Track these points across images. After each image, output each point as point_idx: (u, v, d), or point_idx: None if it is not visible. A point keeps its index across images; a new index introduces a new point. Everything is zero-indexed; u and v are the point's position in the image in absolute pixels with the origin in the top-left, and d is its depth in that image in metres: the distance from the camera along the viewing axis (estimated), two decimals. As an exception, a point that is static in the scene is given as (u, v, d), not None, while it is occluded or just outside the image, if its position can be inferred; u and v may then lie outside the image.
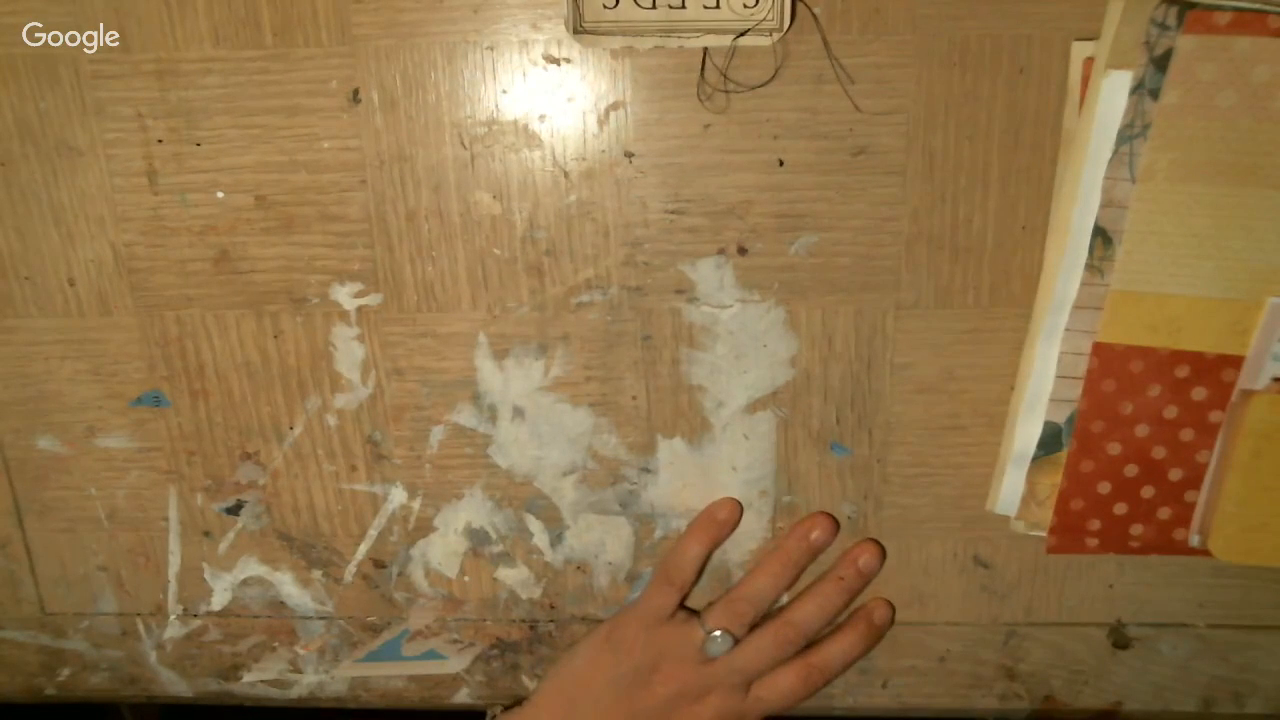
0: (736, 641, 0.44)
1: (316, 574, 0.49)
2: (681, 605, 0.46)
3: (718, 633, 0.44)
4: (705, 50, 0.40)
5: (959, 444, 0.45)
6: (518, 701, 0.49)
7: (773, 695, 0.45)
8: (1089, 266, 0.40)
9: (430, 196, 0.43)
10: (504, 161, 0.42)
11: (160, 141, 0.42)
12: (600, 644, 0.46)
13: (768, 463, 0.46)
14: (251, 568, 0.49)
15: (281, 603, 0.49)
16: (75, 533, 0.49)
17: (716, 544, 0.46)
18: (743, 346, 0.44)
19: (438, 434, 0.46)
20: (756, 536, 0.47)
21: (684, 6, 0.39)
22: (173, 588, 0.49)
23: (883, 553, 0.47)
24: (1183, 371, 0.41)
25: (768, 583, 0.45)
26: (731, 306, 0.44)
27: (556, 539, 0.48)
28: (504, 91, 0.41)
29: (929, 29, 0.39)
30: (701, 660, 0.44)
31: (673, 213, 0.42)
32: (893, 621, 0.47)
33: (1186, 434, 0.42)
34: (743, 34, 0.39)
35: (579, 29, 0.39)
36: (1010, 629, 0.48)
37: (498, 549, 0.48)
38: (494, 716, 0.47)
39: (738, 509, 0.46)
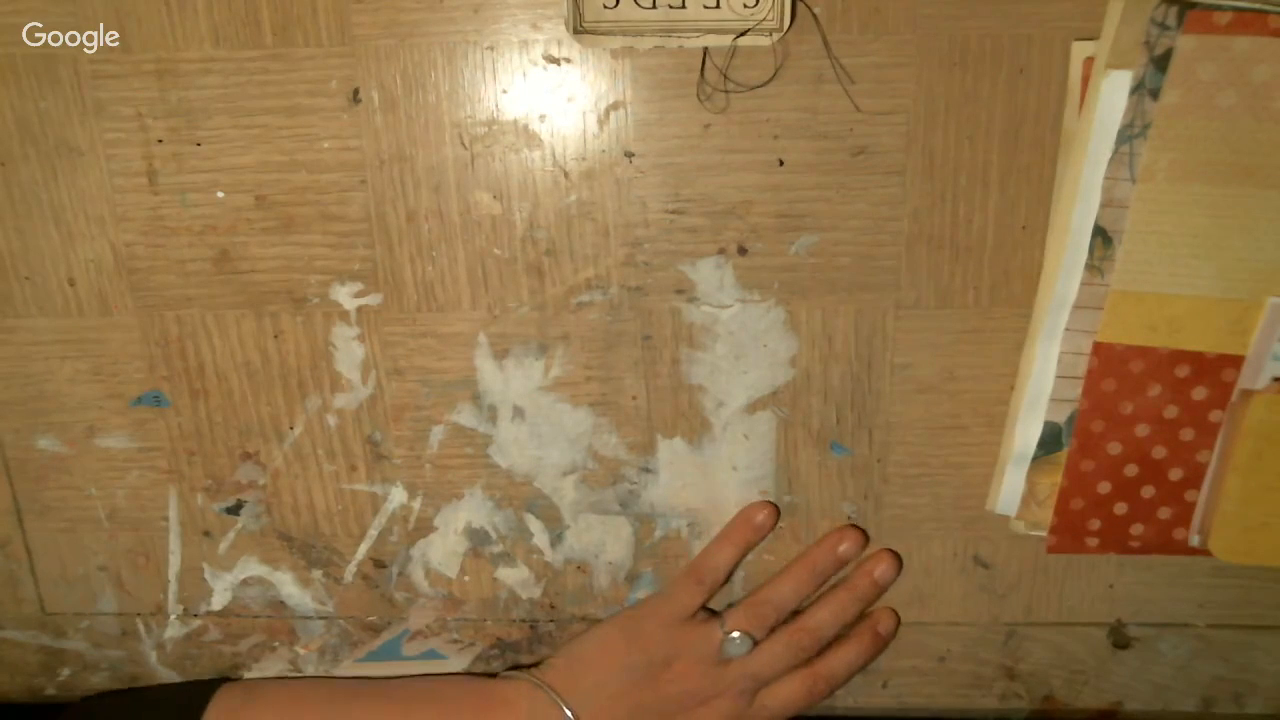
0: (755, 644, 0.44)
1: (316, 574, 0.49)
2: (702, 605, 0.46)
3: (736, 634, 0.44)
4: (705, 50, 0.40)
5: (959, 444, 0.45)
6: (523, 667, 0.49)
7: (777, 704, 0.45)
8: (1089, 266, 0.40)
9: (430, 196, 0.43)
10: (504, 161, 0.42)
11: (160, 141, 0.42)
12: (617, 631, 0.46)
13: (768, 462, 0.46)
14: (251, 568, 0.49)
15: (281, 603, 0.49)
16: (75, 533, 0.49)
17: (750, 548, 0.46)
18: (743, 346, 0.44)
19: (438, 434, 0.46)
20: (756, 536, 0.47)
21: (684, 6, 0.39)
22: (173, 588, 0.49)
23: (899, 564, 0.47)
24: (1183, 371, 0.41)
25: (792, 589, 0.45)
26: (731, 306, 0.44)
27: (556, 539, 0.48)
28: (504, 91, 0.41)
29: (929, 29, 0.39)
30: (716, 662, 0.44)
31: (673, 213, 0.42)
32: (897, 631, 0.48)
33: (1186, 434, 0.42)
34: (743, 34, 0.39)
35: (579, 29, 0.39)
36: (1010, 629, 0.48)
37: (498, 549, 0.48)
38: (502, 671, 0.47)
39: (775, 514, 0.46)
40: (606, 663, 0.45)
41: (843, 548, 0.46)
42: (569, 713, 0.43)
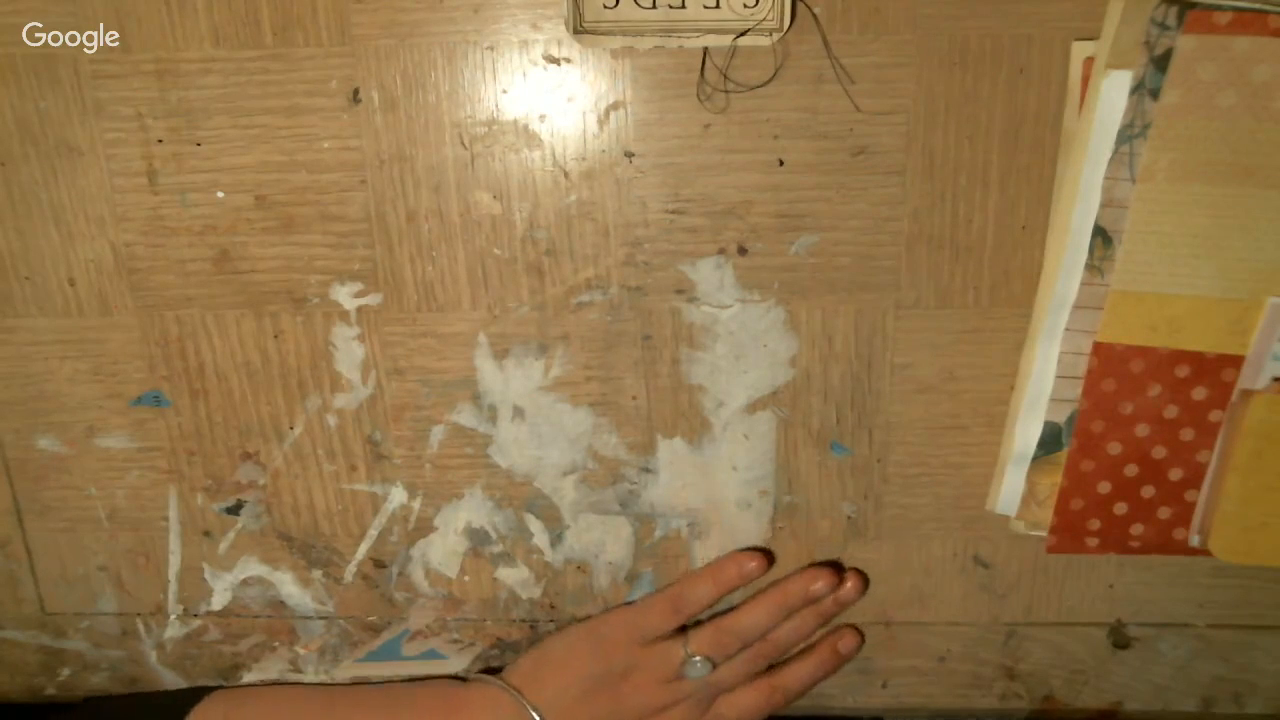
0: (715, 668, 0.45)
1: (316, 574, 0.49)
2: None
3: (699, 659, 0.44)
4: (705, 50, 0.40)
5: (959, 444, 0.45)
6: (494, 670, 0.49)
7: (733, 713, 0.45)
8: (1089, 266, 0.40)
9: (430, 196, 0.43)
10: (504, 161, 0.42)
11: (160, 141, 0.42)
12: (584, 637, 0.46)
13: (768, 462, 0.46)
14: (251, 568, 0.49)
15: (281, 603, 0.49)
16: (75, 533, 0.49)
17: (733, 591, 0.46)
18: (743, 346, 0.44)
19: (438, 434, 0.46)
20: (756, 536, 0.47)
21: (684, 6, 0.39)
22: (173, 587, 0.49)
23: (864, 586, 0.47)
24: (1183, 371, 0.41)
25: (759, 621, 0.45)
26: (731, 306, 0.44)
27: (556, 539, 0.48)
28: (504, 91, 0.41)
29: (929, 29, 0.39)
30: (675, 678, 0.45)
31: (673, 213, 0.42)
32: (859, 650, 0.48)
33: (1186, 434, 0.42)
34: (743, 34, 0.39)
35: (579, 29, 0.39)
36: (1010, 629, 0.48)
37: (498, 549, 0.48)
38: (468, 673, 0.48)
39: (765, 566, 0.46)
40: (571, 668, 0.45)
41: (816, 586, 0.45)
42: (535, 716, 0.44)
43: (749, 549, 0.47)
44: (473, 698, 0.45)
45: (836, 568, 0.47)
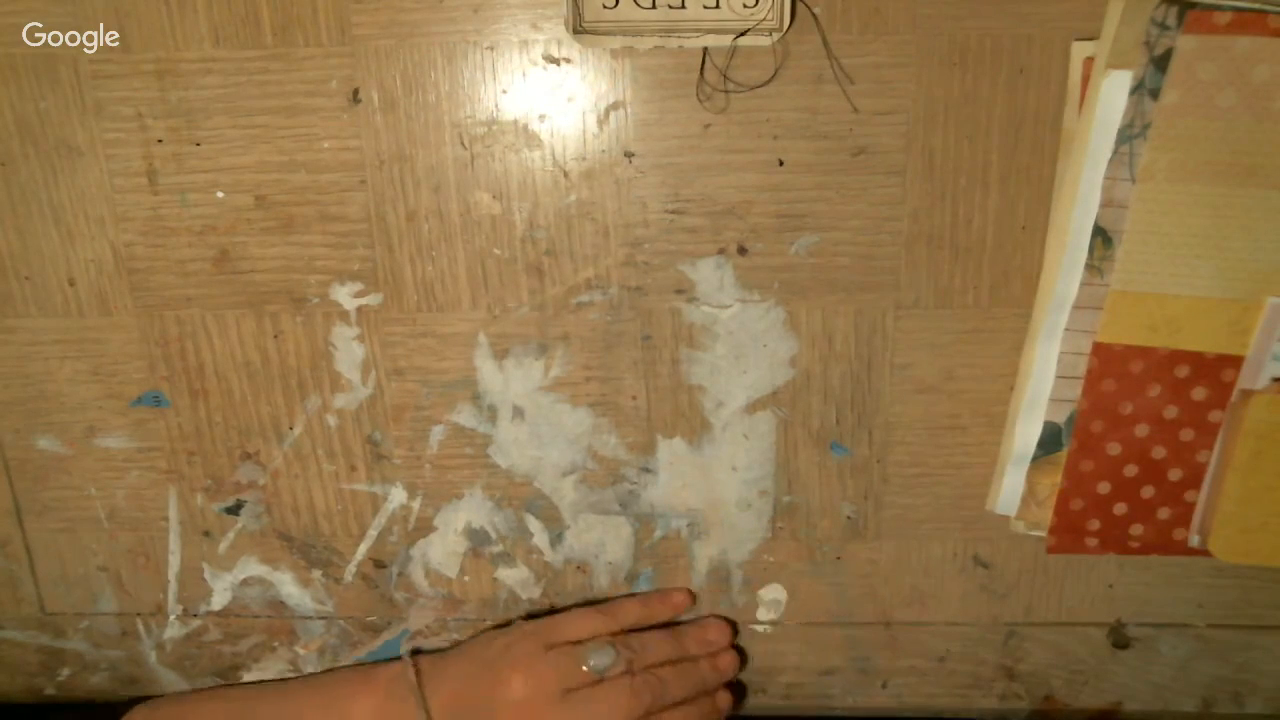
0: (617, 654, 0.44)
1: (316, 574, 0.49)
2: None
3: (600, 648, 0.44)
4: (705, 50, 0.40)
5: (959, 444, 0.45)
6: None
7: None
8: (1089, 266, 0.40)
9: (430, 196, 0.43)
10: (504, 161, 0.42)
11: (160, 141, 0.42)
12: (503, 634, 0.45)
13: (768, 463, 0.46)
14: (251, 568, 0.49)
15: (281, 603, 0.49)
16: (75, 533, 0.49)
17: (656, 621, 0.47)
18: (743, 346, 0.44)
19: (438, 434, 0.46)
20: (757, 537, 0.47)
21: (684, 6, 0.39)
22: (173, 588, 0.49)
23: (741, 665, 0.48)
24: (1183, 371, 0.41)
25: (657, 646, 0.45)
26: (731, 306, 0.44)
27: (556, 539, 0.48)
28: (504, 91, 0.41)
29: (929, 29, 0.39)
30: (568, 686, 0.43)
31: (673, 213, 0.42)
32: (732, 708, 0.48)
33: (1186, 434, 0.42)
34: (743, 34, 0.39)
35: (579, 29, 0.39)
36: (1010, 629, 0.48)
37: (498, 549, 0.48)
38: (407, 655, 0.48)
39: (690, 601, 0.48)
40: (472, 655, 0.45)
41: (710, 637, 0.47)
42: (420, 694, 0.44)
43: (681, 588, 0.48)
44: (377, 674, 0.46)
45: (731, 628, 0.48)
